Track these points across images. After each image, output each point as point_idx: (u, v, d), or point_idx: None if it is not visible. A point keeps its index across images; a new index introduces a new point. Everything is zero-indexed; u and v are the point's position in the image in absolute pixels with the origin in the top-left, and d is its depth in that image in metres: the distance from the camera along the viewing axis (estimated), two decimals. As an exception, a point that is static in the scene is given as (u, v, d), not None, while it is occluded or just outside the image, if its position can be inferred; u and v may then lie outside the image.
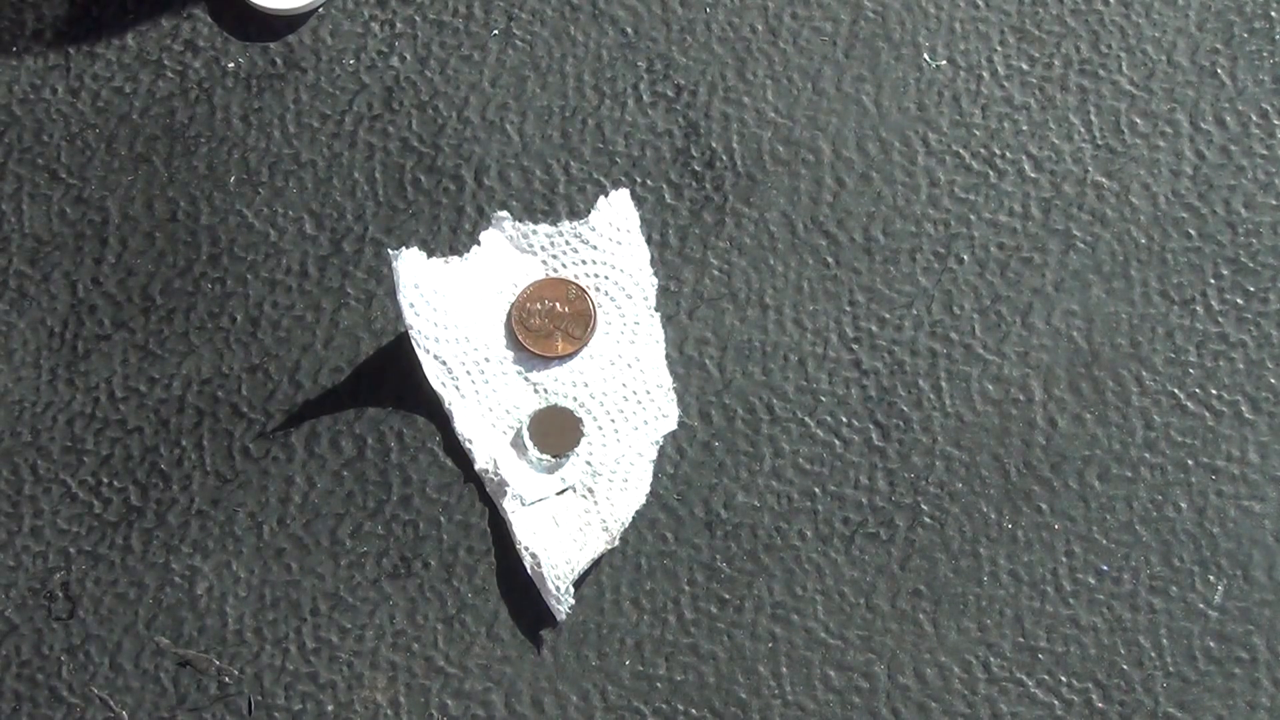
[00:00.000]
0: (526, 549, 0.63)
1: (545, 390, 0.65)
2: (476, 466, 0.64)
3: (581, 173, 0.68)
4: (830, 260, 0.67)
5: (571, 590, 0.63)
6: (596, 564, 0.64)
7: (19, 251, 0.68)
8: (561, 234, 0.67)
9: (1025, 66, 0.69)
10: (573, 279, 0.66)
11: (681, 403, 0.65)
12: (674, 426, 0.65)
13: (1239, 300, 0.66)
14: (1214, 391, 0.65)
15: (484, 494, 0.64)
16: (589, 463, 0.64)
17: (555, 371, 0.65)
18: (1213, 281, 0.66)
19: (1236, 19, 0.70)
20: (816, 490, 0.64)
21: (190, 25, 0.71)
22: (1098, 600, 0.63)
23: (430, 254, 0.67)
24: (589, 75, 0.69)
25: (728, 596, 0.63)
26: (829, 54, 0.70)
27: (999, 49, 0.70)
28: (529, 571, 0.63)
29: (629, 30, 0.70)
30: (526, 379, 0.65)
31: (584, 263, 0.66)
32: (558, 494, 0.64)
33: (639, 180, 0.68)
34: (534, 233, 0.67)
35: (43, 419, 0.66)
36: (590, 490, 0.64)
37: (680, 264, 0.67)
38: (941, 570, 0.63)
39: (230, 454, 0.65)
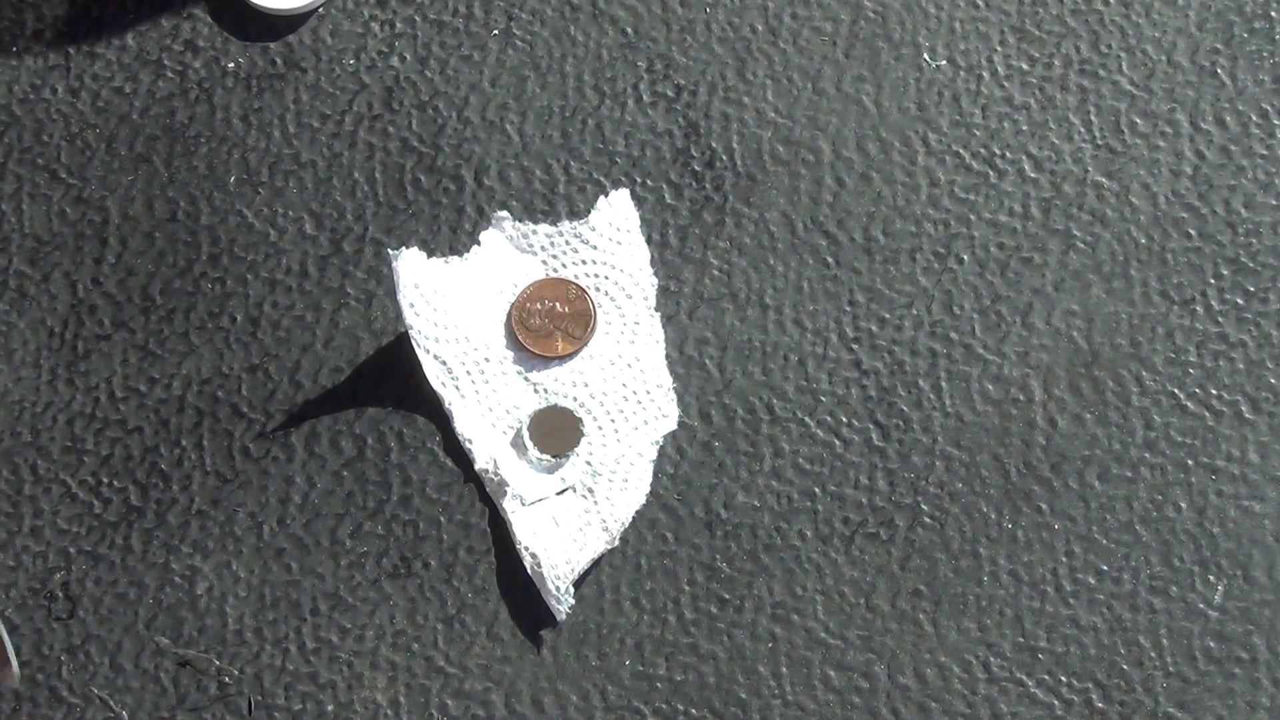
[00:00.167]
0: (526, 549, 0.63)
1: (545, 390, 0.65)
2: (476, 466, 0.64)
3: (581, 173, 0.68)
4: (830, 260, 0.67)
5: (571, 590, 0.63)
6: (596, 564, 0.64)
7: (19, 251, 0.68)
8: (561, 234, 0.67)
9: (1025, 66, 0.69)
10: (573, 279, 0.66)
11: (681, 403, 0.65)
12: (674, 426, 0.65)
13: (1239, 300, 0.66)
14: (1214, 391, 0.65)
15: (484, 494, 0.64)
16: (589, 463, 0.64)
17: (555, 371, 0.65)
18: (1213, 281, 0.66)
19: (1236, 19, 0.70)
20: (816, 490, 0.64)
21: (190, 25, 0.71)
22: (1098, 600, 0.63)
23: (430, 254, 0.67)
24: (589, 75, 0.70)
25: (728, 596, 0.63)
26: (829, 54, 0.70)
27: (999, 49, 0.70)
28: (529, 571, 0.63)
29: (629, 30, 0.70)
30: (526, 379, 0.65)
31: (584, 263, 0.66)
32: (558, 494, 0.64)
33: (639, 180, 0.68)
34: (534, 233, 0.67)
35: (43, 419, 0.66)
36: (590, 490, 0.64)
37: (680, 264, 0.67)
38: (941, 570, 0.63)
39: (230, 454, 0.65)
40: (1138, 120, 0.69)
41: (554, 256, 0.67)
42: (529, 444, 0.64)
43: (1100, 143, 0.68)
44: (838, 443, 0.65)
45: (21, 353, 0.66)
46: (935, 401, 0.65)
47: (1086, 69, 0.69)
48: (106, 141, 0.69)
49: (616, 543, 0.63)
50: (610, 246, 0.67)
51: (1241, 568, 0.63)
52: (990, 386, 0.65)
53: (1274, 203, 0.67)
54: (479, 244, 0.66)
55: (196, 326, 0.67)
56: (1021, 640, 0.62)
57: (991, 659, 0.62)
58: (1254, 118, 0.68)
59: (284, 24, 0.71)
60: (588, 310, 0.66)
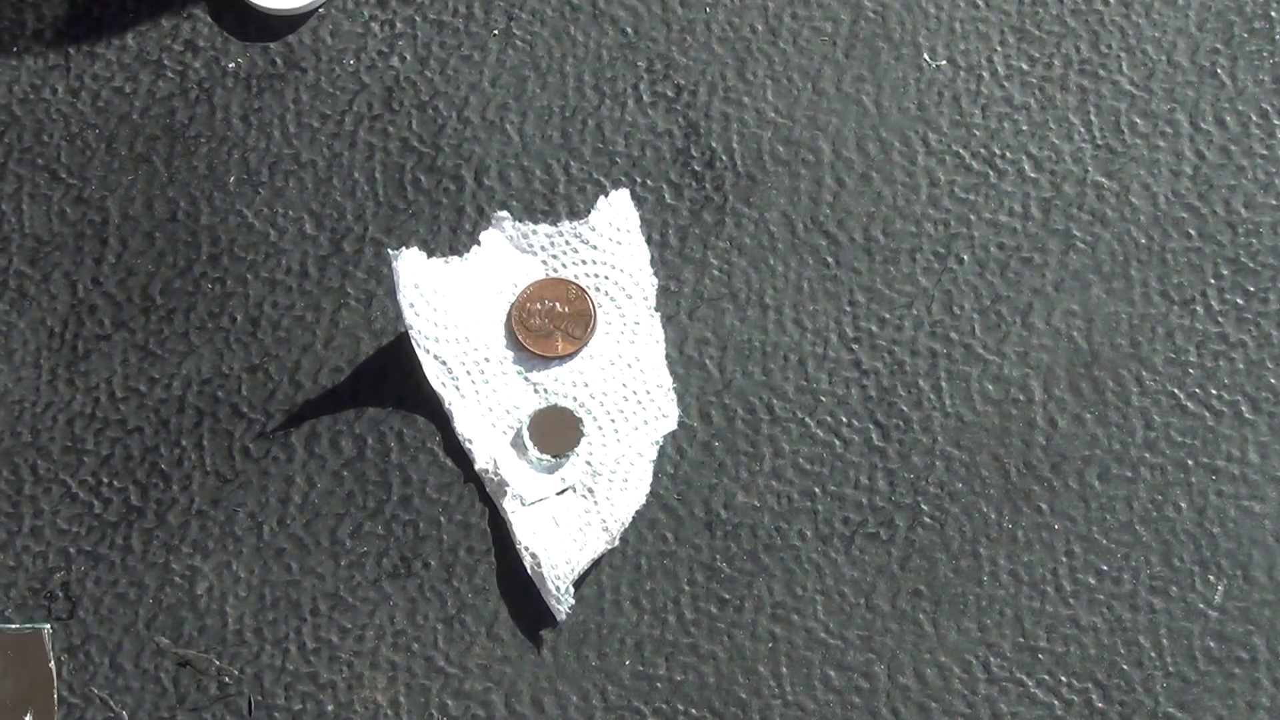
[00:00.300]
0: (526, 549, 0.63)
1: (545, 390, 0.65)
2: (476, 466, 0.64)
3: (581, 173, 0.68)
4: (830, 260, 0.67)
5: (571, 590, 0.63)
6: (596, 564, 0.64)
7: (19, 251, 0.68)
8: (561, 234, 0.67)
9: (1025, 66, 0.69)
10: (573, 279, 0.66)
11: (681, 403, 0.65)
12: (674, 426, 0.65)
13: (1239, 300, 0.66)
14: (1214, 391, 0.65)
15: (484, 494, 0.64)
16: (589, 463, 0.64)
17: (555, 371, 0.65)
18: (1213, 281, 0.66)
19: (1236, 19, 0.70)
20: (816, 490, 0.64)
21: (190, 25, 0.71)
22: (1098, 600, 0.63)
23: (430, 254, 0.67)
24: (589, 75, 0.69)
25: (728, 596, 0.63)
26: (829, 54, 0.70)
27: (999, 49, 0.70)
28: (529, 571, 0.63)
29: (629, 30, 0.70)
30: (526, 379, 0.65)
31: (584, 263, 0.66)
32: (558, 494, 0.64)
33: (639, 180, 0.68)
34: (534, 233, 0.67)
35: (43, 419, 0.66)
36: (590, 490, 0.64)
37: (680, 264, 0.67)
38: (941, 570, 0.63)
39: (230, 454, 0.65)
40: (1138, 120, 0.69)
41: (554, 256, 0.67)
42: (529, 444, 0.64)
43: (1100, 143, 0.68)
44: (838, 443, 0.65)
45: (21, 353, 0.66)
46: (935, 401, 0.65)
47: (1086, 69, 0.69)
48: (106, 141, 0.69)
49: (616, 543, 0.63)
50: (610, 246, 0.67)
51: (1241, 568, 0.63)
52: (990, 386, 0.65)
53: (1274, 203, 0.67)
54: (479, 244, 0.66)
55: (196, 326, 0.67)
56: (1021, 640, 0.62)
57: (991, 659, 0.62)
58: (1254, 118, 0.68)
59: (284, 24, 0.71)
60: (588, 310, 0.66)
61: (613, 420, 0.65)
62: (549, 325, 0.66)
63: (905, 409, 0.65)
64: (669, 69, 0.70)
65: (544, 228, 0.67)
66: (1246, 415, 0.65)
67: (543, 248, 0.67)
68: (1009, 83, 0.69)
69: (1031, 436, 0.65)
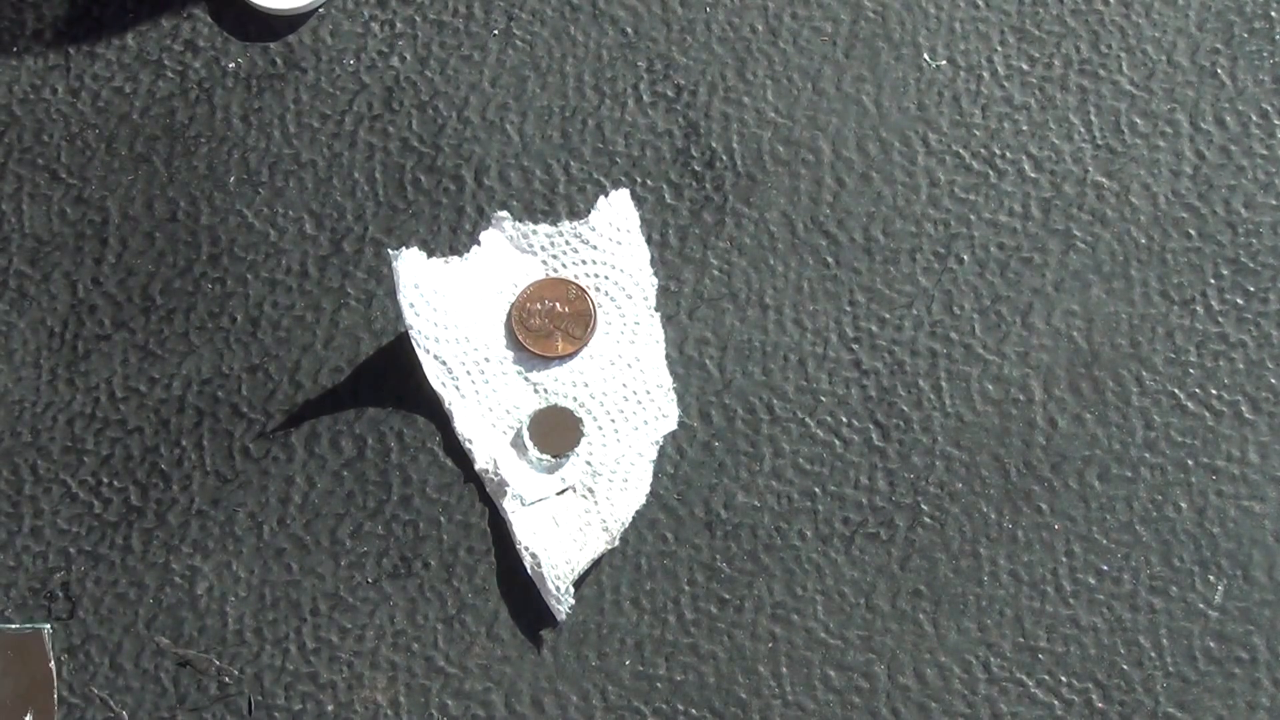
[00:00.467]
0: (526, 549, 0.63)
1: (545, 390, 0.65)
2: (476, 466, 0.64)
3: (581, 173, 0.68)
4: (830, 260, 0.67)
5: (571, 590, 0.63)
6: (596, 564, 0.64)
7: (19, 251, 0.68)
8: (561, 234, 0.67)
9: (1025, 66, 0.69)
10: (573, 279, 0.66)
11: (681, 403, 0.65)
12: (674, 426, 0.65)
13: (1239, 300, 0.66)
14: (1214, 391, 0.65)
15: (484, 494, 0.64)
16: (589, 463, 0.64)
17: (555, 371, 0.65)
18: (1213, 281, 0.66)
19: (1236, 19, 0.70)
20: (816, 490, 0.64)
21: (190, 25, 0.71)
22: (1098, 600, 0.63)
23: (430, 254, 0.67)
24: (589, 75, 0.70)
25: (728, 596, 0.63)
26: (829, 54, 0.70)
27: (999, 49, 0.70)
28: (529, 571, 0.63)
29: (629, 30, 0.70)
30: (526, 379, 0.65)
31: (584, 263, 0.66)
32: (558, 494, 0.64)
33: (639, 180, 0.68)
34: (534, 233, 0.67)
35: (43, 419, 0.66)
36: (590, 490, 0.64)
37: (680, 264, 0.67)
38: (941, 570, 0.63)
39: (230, 454, 0.65)
40: (1138, 120, 0.69)
41: (554, 256, 0.67)
42: (529, 444, 0.64)
43: (1100, 143, 0.68)
44: (838, 443, 0.65)
45: (21, 353, 0.66)
46: (935, 401, 0.65)
47: (1086, 69, 0.69)
48: (106, 141, 0.69)
49: (616, 543, 0.63)
50: (610, 246, 0.67)
51: (1241, 568, 0.63)
52: (990, 386, 0.65)
53: (1274, 203, 0.67)
54: (479, 244, 0.66)
55: (196, 326, 0.67)
56: (1021, 640, 0.62)
57: (991, 659, 0.62)
58: (1254, 118, 0.68)
59: (284, 24, 0.71)
60: (588, 310, 0.66)
61: (613, 420, 0.65)
62: (549, 325, 0.66)
63: (905, 409, 0.65)
64: (669, 69, 0.70)
65: (544, 228, 0.67)
66: (1246, 415, 0.65)
67: (543, 248, 0.67)
68: (1009, 83, 0.69)
69: (1031, 436, 0.65)
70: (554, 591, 0.62)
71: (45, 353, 0.66)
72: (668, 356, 0.66)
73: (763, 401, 0.65)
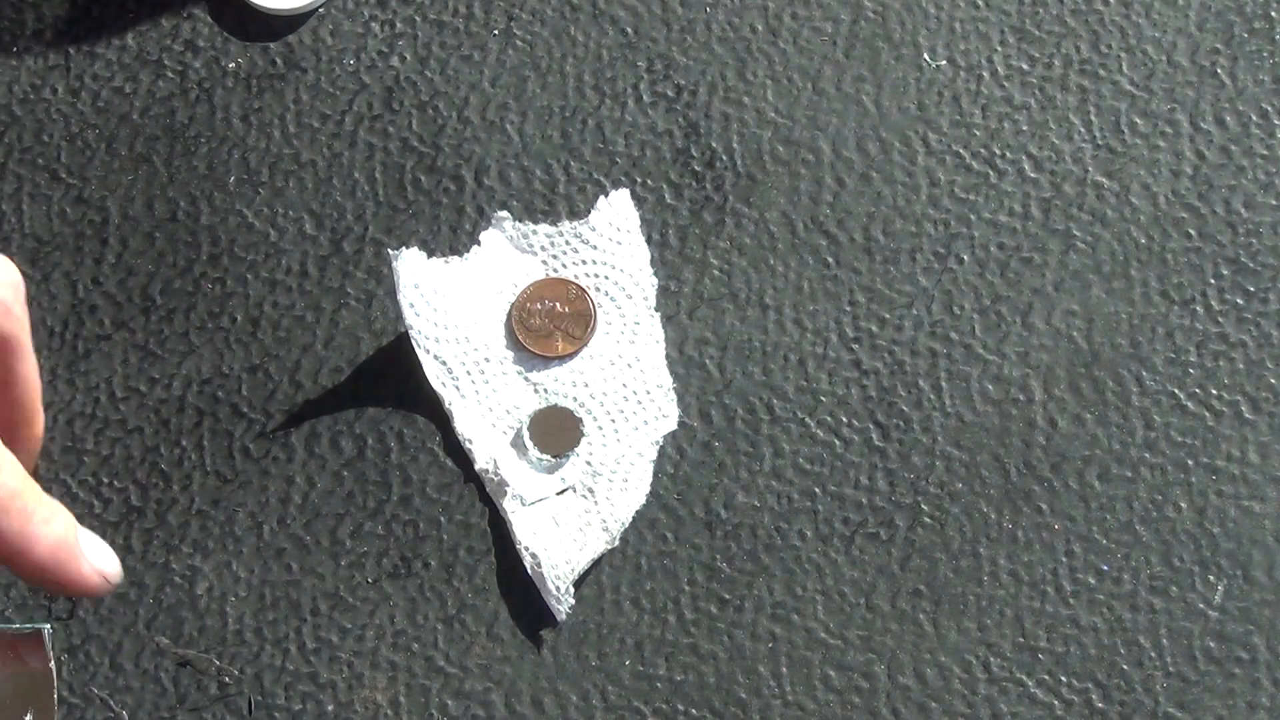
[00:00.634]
0: (526, 549, 0.63)
1: (545, 390, 0.65)
2: (476, 466, 0.64)
3: (581, 173, 0.68)
4: (830, 260, 0.67)
5: (571, 590, 0.63)
6: (596, 564, 0.64)
7: (19, 251, 0.68)
8: (561, 234, 0.67)
9: (1025, 66, 0.69)
10: (573, 279, 0.66)
11: (681, 403, 0.65)
12: (674, 426, 0.65)
13: (1239, 300, 0.66)
14: (1214, 391, 0.65)
15: (484, 494, 0.64)
16: (589, 463, 0.64)
17: (555, 371, 0.65)
18: (1213, 281, 0.66)
19: (1236, 19, 0.70)
20: (816, 490, 0.64)
21: (190, 25, 0.71)
22: (1098, 600, 0.63)
23: (430, 254, 0.67)
24: (589, 75, 0.69)
25: (728, 596, 0.63)
26: (829, 54, 0.70)
27: (999, 49, 0.70)
28: (529, 571, 0.63)
29: (629, 30, 0.70)
30: (526, 379, 0.65)
31: (584, 263, 0.66)
32: (558, 494, 0.64)
33: (639, 180, 0.68)
34: (534, 233, 0.67)
35: (43, 419, 0.65)
36: (590, 490, 0.64)
37: (680, 264, 0.67)
38: (941, 570, 0.63)
39: (230, 454, 0.65)
40: (1138, 120, 0.69)
41: (554, 256, 0.67)
42: (529, 444, 0.64)
43: (1100, 143, 0.68)
44: (838, 443, 0.65)
45: (21, 353, 0.66)
46: (935, 401, 0.65)
47: (1086, 69, 0.69)
48: (106, 141, 0.69)
49: (616, 543, 0.63)
50: (610, 246, 0.67)
51: (1241, 568, 0.63)
52: (990, 386, 0.65)
53: (1274, 203, 0.67)
54: (479, 244, 0.66)
55: (196, 326, 0.67)
56: (1021, 640, 0.62)
57: (991, 659, 0.62)
58: (1254, 118, 0.68)
59: (284, 24, 0.71)
60: (588, 310, 0.66)
61: (613, 420, 0.65)
62: (549, 325, 0.66)
63: (905, 409, 0.65)
64: (669, 69, 0.70)
65: (544, 228, 0.67)
66: (1246, 415, 0.65)
67: (543, 248, 0.67)
68: (1009, 83, 0.69)
69: (1031, 436, 0.65)
70: (554, 591, 0.62)
71: (45, 353, 0.66)
72: (668, 356, 0.66)
73: (763, 401, 0.65)
